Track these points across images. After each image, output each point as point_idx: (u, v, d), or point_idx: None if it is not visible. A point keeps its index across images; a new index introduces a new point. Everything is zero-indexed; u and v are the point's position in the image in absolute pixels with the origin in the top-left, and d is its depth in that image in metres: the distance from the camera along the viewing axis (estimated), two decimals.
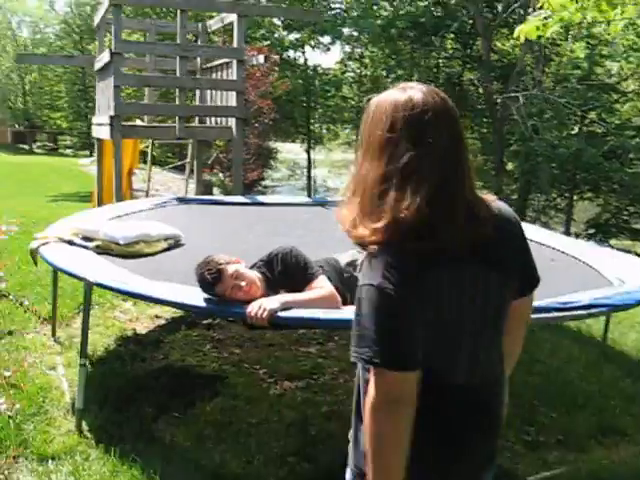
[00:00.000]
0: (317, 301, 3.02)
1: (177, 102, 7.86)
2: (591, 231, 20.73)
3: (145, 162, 13.06)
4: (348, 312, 2.92)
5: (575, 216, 21.72)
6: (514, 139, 20.92)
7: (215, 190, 15.01)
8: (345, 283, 3.29)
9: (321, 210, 6.37)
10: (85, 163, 24.62)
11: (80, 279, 3.40)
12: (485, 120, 23.93)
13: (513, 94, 18.53)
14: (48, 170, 25.48)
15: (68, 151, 39.80)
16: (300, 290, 3.13)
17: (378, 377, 1.54)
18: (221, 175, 14.54)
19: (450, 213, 1.56)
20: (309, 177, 27.08)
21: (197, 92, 9.30)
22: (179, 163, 15.47)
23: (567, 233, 19.25)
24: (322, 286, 3.14)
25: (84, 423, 3.57)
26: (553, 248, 4.93)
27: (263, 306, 2.84)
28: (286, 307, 2.88)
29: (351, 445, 1.78)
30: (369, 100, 1.69)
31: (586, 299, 3.13)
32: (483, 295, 1.65)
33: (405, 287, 1.52)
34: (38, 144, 42.91)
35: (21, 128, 42.85)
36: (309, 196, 25.77)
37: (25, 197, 15.69)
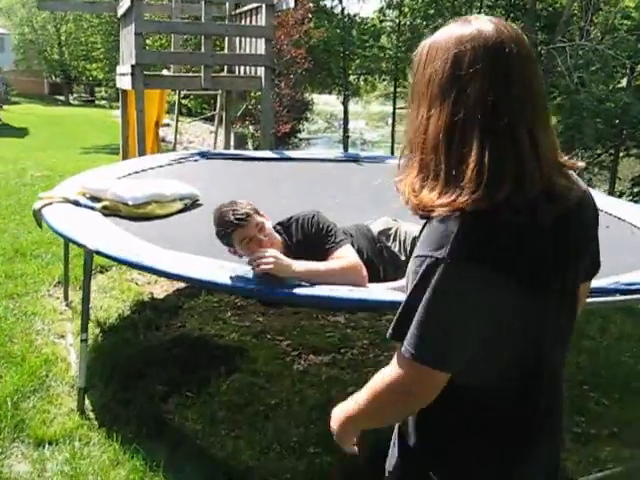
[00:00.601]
0: (337, 273, 2.60)
1: (202, 50, 7.41)
2: (636, 189, 19.98)
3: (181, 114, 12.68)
4: (377, 292, 2.54)
5: (620, 174, 20.91)
6: (558, 92, 20.07)
7: (249, 143, 14.62)
8: (377, 255, 2.89)
9: (354, 166, 5.94)
10: (119, 114, 24.40)
11: (80, 245, 3.05)
12: None
13: (559, 45, 17.66)
14: (83, 121, 25.34)
15: (104, 102, 39.63)
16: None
17: (408, 366, 1.25)
18: (251, 128, 14.09)
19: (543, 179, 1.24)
20: (345, 130, 26.47)
21: (226, 40, 8.84)
22: (209, 115, 15.05)
23: (611, 191, 18.59)
24: (345, 256, 2.71)
25: (87, 402, 3.27)
26: (606, 212, 4.45)
27: (272, 256, 2.46)
28: (298, 275, 2.51)
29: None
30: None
31: None
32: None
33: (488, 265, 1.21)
34: (75, 95, 42.84)
35: (57, 79, 42.73)
36: (345, 149, 25.30)
37: (57, 149, 15.54)
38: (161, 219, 3.77)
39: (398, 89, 25.48)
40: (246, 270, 2.62)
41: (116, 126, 21.25)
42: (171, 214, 3.87)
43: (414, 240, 3.01)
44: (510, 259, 1.22)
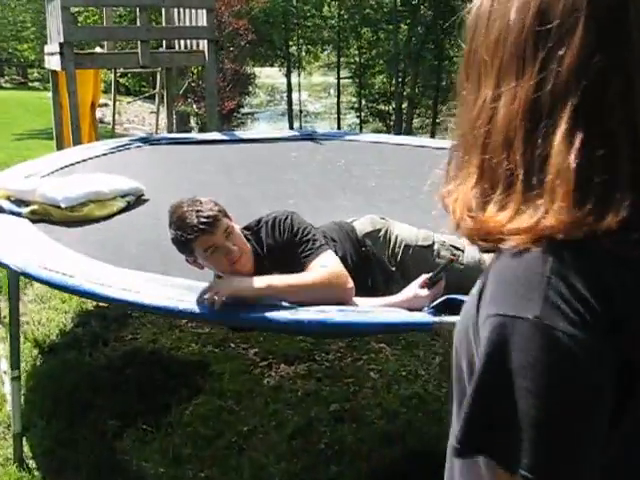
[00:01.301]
0: (316, 286, 2.12)
1: (138, 24, 6.77)
2: None
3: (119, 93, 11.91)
4: (368, 313, 2.07)
5: None
6: None
7: (192, 121, 13.93)
8: (364, 262, 2.42)
9: (312, 145, 5.44)
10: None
11: (1, 265, 2.50)
12: None
13: None
14: (15, 105, 24.05)
15: (37, 84, 37.98)
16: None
17: None
18: (195, 106, 13.39)
19: None
20: (290, 102, 25.83)
21: (163, 13, 8.18)
22: (149, 94, 14.30)
23: None
24: (326, 264, 2.21)
25: (26, 448, 2.75)
26: None
27: (217, 290, 2.01)
28: (263, 294, 2.06)
29: None
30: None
31: None
32: None
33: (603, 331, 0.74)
34: (6, 78, 40.93)
35: None
36: (290, 122, 24.71)
37: None
38: (101, 222, 3.23)
39: (342, 59, 24.96)
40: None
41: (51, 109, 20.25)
42: (112, 215, 3.34)
43: (407, 248, 2.56)
44: (633, 318, 0.77)
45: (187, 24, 7.13)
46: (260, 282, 2.07)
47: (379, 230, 2.57)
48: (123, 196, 3.50)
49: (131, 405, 3.06)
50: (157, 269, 2.52)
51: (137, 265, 2.56)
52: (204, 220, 2.16)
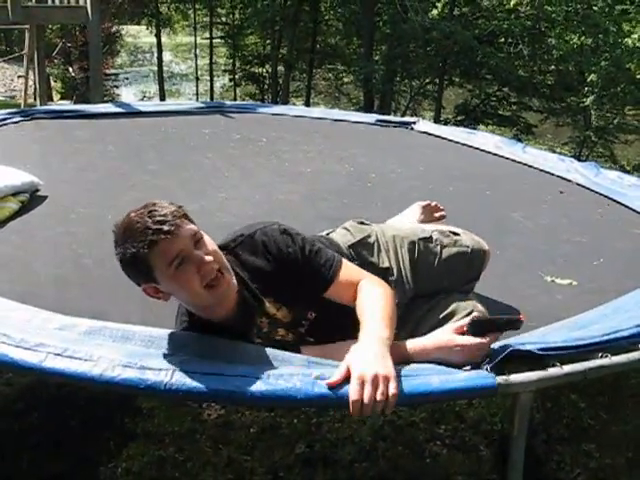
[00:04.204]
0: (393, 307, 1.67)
1: None
2: (460, 117, 20.36)
3: None
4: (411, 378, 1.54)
5: (444, 103, 21.17)
6: (383, 21, 19.70)
7: (58, 86, 12.62)
8: None
9: (223, 120, 4.81)
10: None
11: None
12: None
13: None
14: None
15: None
16: (304, 303, 1.74)
17: None
18: (70, 69, 12.09)
19: None
20: (160, 64, 24.47)
21: None
22: (16, 54, 12.80)
23: (437, 120, 18.65)
24: (369, 277, 1.77)
25: None
26: (550, 173, 3.78)
27: (382, 377, 1.43)
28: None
29: None
30: None
31: None
32: None
33: None
34: None
35: None
36: (161, 85, 23.47)
37: None
38: None
39: (214, 18, 23.86)
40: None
41: None
42: (4, 221, 2.61)
43: (413, 245, 2.07)
44: None
45: None
46: (379, 325, 1.56)
47: (368, 236, 2.07)
48: (15, 195, 2.77)
49: (39, 464, 2.40)
50: (90, 306, 1.88)
51: (57, 301, 1.91)
52: (161, 219, 1.54)
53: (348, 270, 1.75)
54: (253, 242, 1.72)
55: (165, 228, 1.52)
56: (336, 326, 1.71)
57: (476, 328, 1.60)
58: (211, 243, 1.62)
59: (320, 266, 1.71)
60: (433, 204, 2.65)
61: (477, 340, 1.60)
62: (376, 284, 1.72)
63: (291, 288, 1.70)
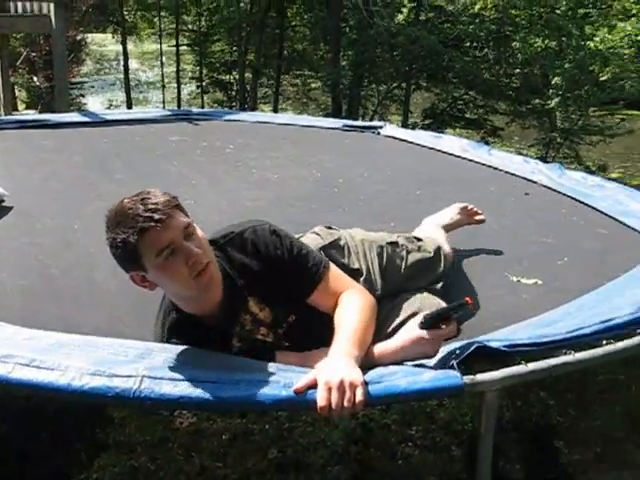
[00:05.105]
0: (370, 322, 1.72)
1: None
2: (428, 121, 20.49)
3: None
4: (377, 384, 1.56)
5: (411, 107, 21.31)
6: (350, 27, 19.76)
7: (23, 95, 12.49)
8: None
9: (190, 128, 4.80)
10: None
11: None
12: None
13: None
14: None
15: None
16: (295, 304, 1.77)
17: None
18: (35, 79, 11.96)
19: None
20: (126, 72, 24.29)
21: None
22: None
23: (405, 124, 18.76)
24: (353, 287, 1.80)
25: None
26: (515, 175, 3.83)
27: (348, 383, 1.45)
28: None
29: None
30: None
31: None
32: None
33: None
34: None
35: None
36: (127, 93, 23.28)
37: None
38: None
39: (180, 25, 23.75)
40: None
41: None
42: None
43: (381, 249, 2.11)
44: None
45: None
46: (351, 341, 1.59)
47: (338, 239, 2.11)
48: None
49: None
50: (57, 316, 1.87)
51: (24, 312, 1.90)
52: (153, 207, 1.54)
53: (334, 276, 1.77)
54: (242, 240, 1.73)
55: (156, 217, 1.52)
56: (314, 330, 1.73)
57: (430, 323, 1.68)
58: (202, 236, 1.63)
59: (306, 269, 1.73)
60: (471, 207, 2.74)
61: (437, 331, 1.68)
62: (360, 295, 1.74)
63: (276, 289, 1.72)
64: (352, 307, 1.68)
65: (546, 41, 17.16)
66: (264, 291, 1.71)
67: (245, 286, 1.70)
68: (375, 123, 5.13)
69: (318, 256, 1.78)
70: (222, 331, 1.69)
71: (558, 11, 17.35)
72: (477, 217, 2.75)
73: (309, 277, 1.72)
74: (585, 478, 2.65)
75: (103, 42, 31.18)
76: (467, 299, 1.71)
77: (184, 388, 1.47)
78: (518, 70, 18.84)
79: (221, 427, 2.80)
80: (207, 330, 1.68)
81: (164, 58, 27.32)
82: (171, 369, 1.53)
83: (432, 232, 2.47)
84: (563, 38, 16.85)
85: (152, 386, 1.47)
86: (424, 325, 1.69)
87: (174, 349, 1.63)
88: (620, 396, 3.09)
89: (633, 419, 2.93)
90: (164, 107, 19.20)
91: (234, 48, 22.64)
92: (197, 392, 1.46)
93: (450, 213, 2.71)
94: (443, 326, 1.70)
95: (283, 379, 1.50)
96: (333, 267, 1.79)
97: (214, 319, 1.69)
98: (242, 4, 21.37)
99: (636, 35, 13.23)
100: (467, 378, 1.54)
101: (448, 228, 2.65)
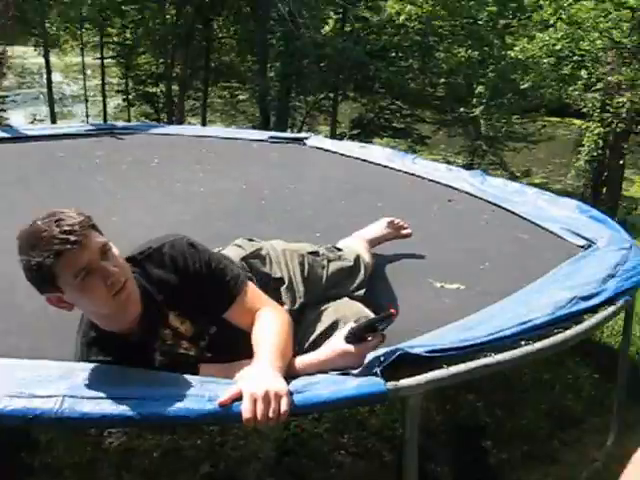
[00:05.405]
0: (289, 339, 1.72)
1: None
2: (356, 131, 20.72)
3: None
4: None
5: (340, 117, 21.51)
6: (277, 38, 19.85)
7: None
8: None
9: (115, 142, 4.73)
10: None
11: None
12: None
13: None
14: None
15: None
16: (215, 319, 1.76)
17: None
18: None
19: None
20: (49, 85, 23.73)
21: None
22: None
23: (333, 134, 18.93)
24: (270, 305, 1.80)
25: None
26: (438, 182, 3.92)
27: (273, 394, 1.45)
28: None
29: None
30: None
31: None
32: None
33: None
34: None
35: None
36: (51, 107, 22.75)
37: None
38: None
39: (104, 38, 23.36)
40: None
41: None
42: None
43: (302, 258, 2.15)
44: None
45: None
46: (273, 355, 1.59)
47: (260, 249, 2.13)
48: None
49: None
50: None
51: None
52: (68, 229, 1.51)
53: (252, 292, 1.78)
54: (161, 255, 1.73)
55: (72, 238, 1.50)
56: (238, 342, 1.73)
57: (356, 337, 1.67)
58: (119, 255, 1.62)
59: (224, 283, 1.73)
60: (398, 221, 2.81)
61: (362, 344, 1.67)
62: (276, 313, 1.75)
63: (195, 302, 1.71)
64: (270, 324, 1.69)
65: (469, 51, 17.64)
66: (184, 305, 1.71)
67: (164, 301, 1.69)
68: (301, 135, 5.16)
69: (236, 270, 1.79)
70: (143, 346, 1.68)
71: (480, 22, 17.85)
72: (403, 231, 2.82)
73: (227, 291, 1.73)
74: (514, 476, 2.71)
75: (24, 55, 30.42)
76: (392, 310, 1.72)
77: (107, 406, 1.45)
78: (443, 79, 19.29)
79: (152, 444, 2.76)
80: (128, 346, 1.66)
81: (89, 71, 26.88)
82: (93, 387, 1.51)
83: (352, 243, 2.53)
84: (485, 48, 17.34)
85: (74, 405, 1.44)
86: (350, 339, 1.68)
87: (96, 367, 1.60)
88: (545, 395, 3.18)
89: (558, 417, 3.02)
90: (88, 121, 18.87)
91: (160, 60, 22.40)
92: (120, 409, 1.44)
93: (377, 227, 2.77)
94: (369, 337, 1.70)
95: (208, 392, 1.50)
96: (250, 284, 1.80)
97: (134, 335, 1.67)
98: (168, 16, 21.21)
99: (554, 45, 13.68)
100: (390, 384, 1.56)
101: (375, 242, 2.71)
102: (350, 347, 1.68)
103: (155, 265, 1.71)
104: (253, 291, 1.78)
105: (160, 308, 1.69)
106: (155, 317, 1.68)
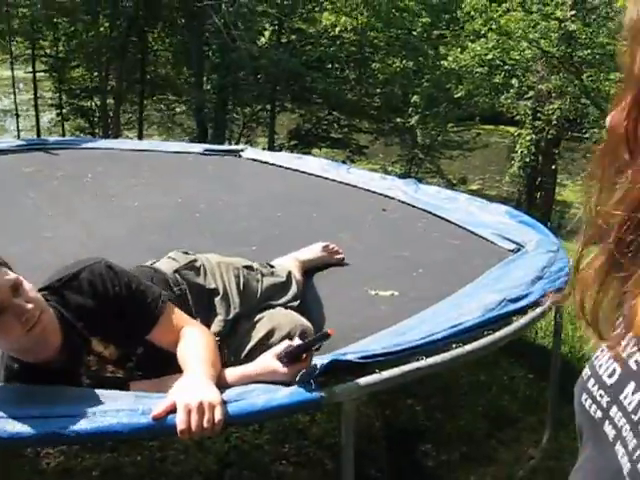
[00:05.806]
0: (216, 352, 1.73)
1: None
2: (294, 142, 20.78)
3: None
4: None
5: (277, 129, 21.56)
6: (212, 50, 19.79)
7: None
8: (181, 302, 1.95)
9: (45, 157, 4.64)
10: None
11: None
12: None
13: (214, 1, 17.20)
14: None
15: None
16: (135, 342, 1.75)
17: None
18: None
19: None
20: None
21: None
22: None
23: (271, 146, 18.95)
24: (193, 324, 1.80)
25: None
26: (373, 192, 3.96)
27: (207, 404, 1.46)
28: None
29: None
30: None
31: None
32: None
33: None
34: None
35: None
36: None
37: None
38: None
39: (36, 51, 22.88)
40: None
41: None
42: None
43: (237, 271, 2.18)
44: None
45: None
46: (208, 372, 1.58)
47: (194, 260, 2.13)
48: None
49: None
50: None
51: None
52: None
53: (173, 313, 1.77)
54: (79, 281, 1.71)
55: None
56: (164, 360, 1.72)
57: (290, 357, 1.67)
58: (31, 289, 1.59)
59: (146, 304, 1.73)
60: (332, 246, 2.85)
61: (295, 365, 1.66)
62: (199, 331, 1.75)
63: (117, 326, 1.70)
64: (196, 340, 1.70)
65: (404, 61, 17.90)
66: (106, 329, 1.69)
67: (85, 327, 1.68)
68: (236, 147, 5.18)
69: (157, 291, 1.78)
70: (69, 374, 1.66)
71: (414, 33, 18.15)
72: (337, 256, 2.86)
73: (148, 312, 1.72)
74: (452, 478, 2.76)
75: None
76: (329, 330, 1.72)
77: (38, 424, 1.43)
78: (379, 90, 19.53)
79: (91, 463, 2.71)
80: (53, 375, 1.64)
81: (21, 85, 26.26)
82: (23, 406, 1.49)
83: (284, 261, 2.58)
84: (420, 58, 17.63)
85: (3, 425, 1.42)
86: (283, 361, 1.67)
87: (24, 387, 1.58)
88: (482, 396, 3.25)
89: (495, 418, 3.09)
90: (19, 137, 18.41)
91: (95, 73, 22.07)
92: (52, 427, 1.43)
93: (312, 250, 2.82)
94: (304, 356, 1.68)
95: (141, 406, 1.49)
96: (171, 305, 1.79)
97: (58, 363, 1.65)
98: (101, 28, 20.92)
99: (486, 55, 14.01)
100: (325, 391, 1.59)
101: (308, 264, 2.74)
102: (280, 367, 1.67)
103: (73, 291, 1.70)
104: (175, 311, 1.78)
105: (81, 335, 1.67)
106: (77, 344, 1.67)
